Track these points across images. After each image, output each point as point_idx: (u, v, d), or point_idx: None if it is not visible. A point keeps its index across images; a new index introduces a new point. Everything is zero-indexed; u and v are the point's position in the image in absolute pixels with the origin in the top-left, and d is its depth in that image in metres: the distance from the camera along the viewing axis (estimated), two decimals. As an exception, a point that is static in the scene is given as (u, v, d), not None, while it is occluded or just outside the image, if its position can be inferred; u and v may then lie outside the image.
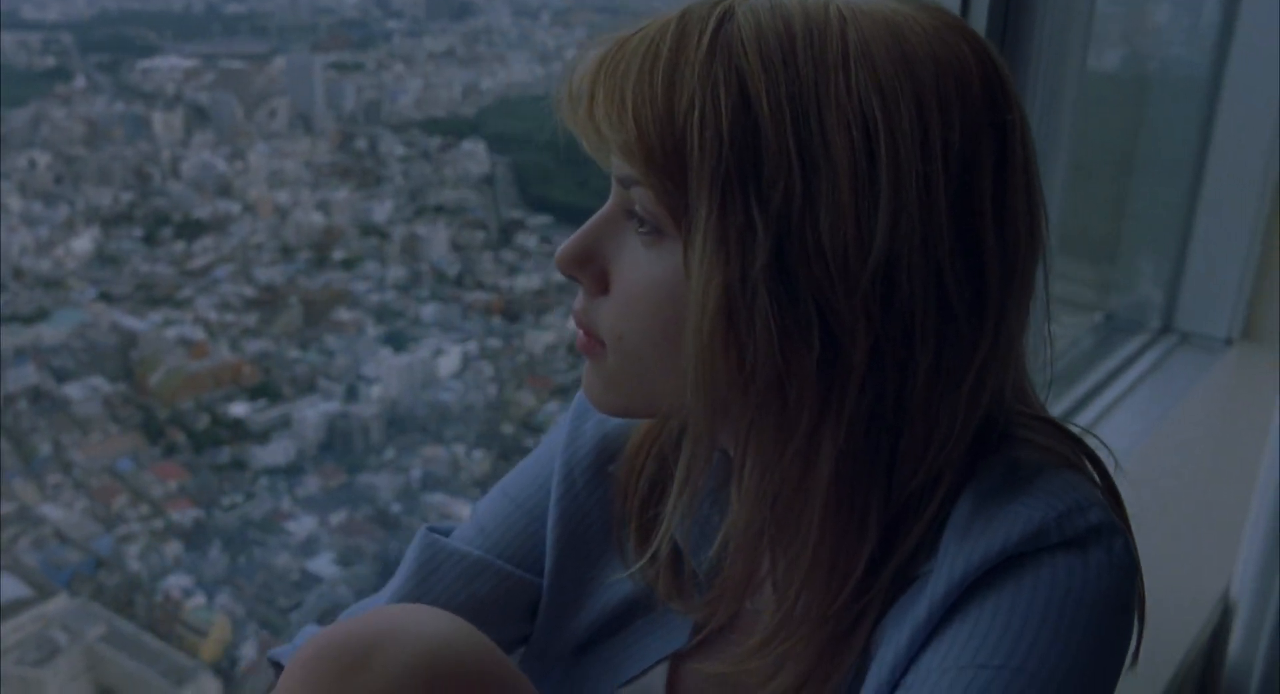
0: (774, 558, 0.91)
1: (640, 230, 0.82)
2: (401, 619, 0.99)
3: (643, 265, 0.82)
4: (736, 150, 0.74)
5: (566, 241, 0.90)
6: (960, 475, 0.81)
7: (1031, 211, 0.79)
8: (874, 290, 0.74)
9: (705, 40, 0.75)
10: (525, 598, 1.12)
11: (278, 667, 1.30)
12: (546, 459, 1.17)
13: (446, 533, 1.23)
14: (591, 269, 0.89)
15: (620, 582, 1.10)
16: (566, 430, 1.13)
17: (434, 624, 1.00)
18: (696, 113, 0.74)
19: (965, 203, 0.75)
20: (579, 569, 1.13)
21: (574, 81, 0.82)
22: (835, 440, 0.78)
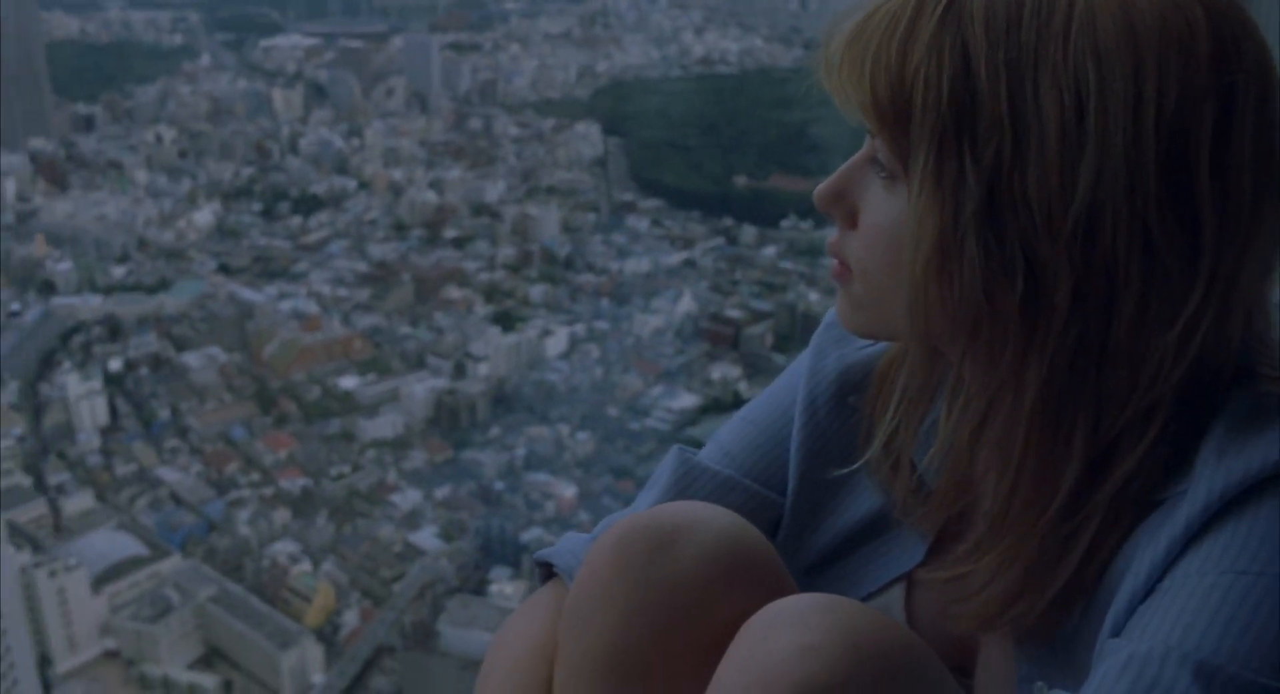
0: (985, 469, 1.08)
1: (880, 174, 1.05)
2: (699, 510, 1.20)
3: (881, 205, 1.05)
4: (954, 110, 0.94)
5: (825, 181, 1.13)
6: (1192, 410, 0.92)
7: (1262, 163, 0.88)
8: (1076, 238, 0.89)
9: (939, 12, 0.95)
10: (769, 515, 1.31)
11: (543, 567, 1.52)
12: (788, 390, 1.39)
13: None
14: (843, 206, 1.12)
15: (858, 503, 1.26)
16: (808, 364, 1.36)
17: (727, 516, 1.20)
18: (922, 76, 0.95)
19: (1176, 158, 0.87)
20: (820, 492, 1.30)
21: (829, 49, 1.05)
22: (1039, 372, 0.94)
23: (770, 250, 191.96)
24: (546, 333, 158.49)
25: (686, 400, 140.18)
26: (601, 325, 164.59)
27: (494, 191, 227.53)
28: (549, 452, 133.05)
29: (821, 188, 1.08)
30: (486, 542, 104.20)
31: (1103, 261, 0.88)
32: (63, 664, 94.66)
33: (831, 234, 1.09)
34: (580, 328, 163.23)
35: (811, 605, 0.97)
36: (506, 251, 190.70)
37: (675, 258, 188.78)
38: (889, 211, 1.02)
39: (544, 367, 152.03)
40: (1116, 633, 0.90)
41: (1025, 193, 0.90)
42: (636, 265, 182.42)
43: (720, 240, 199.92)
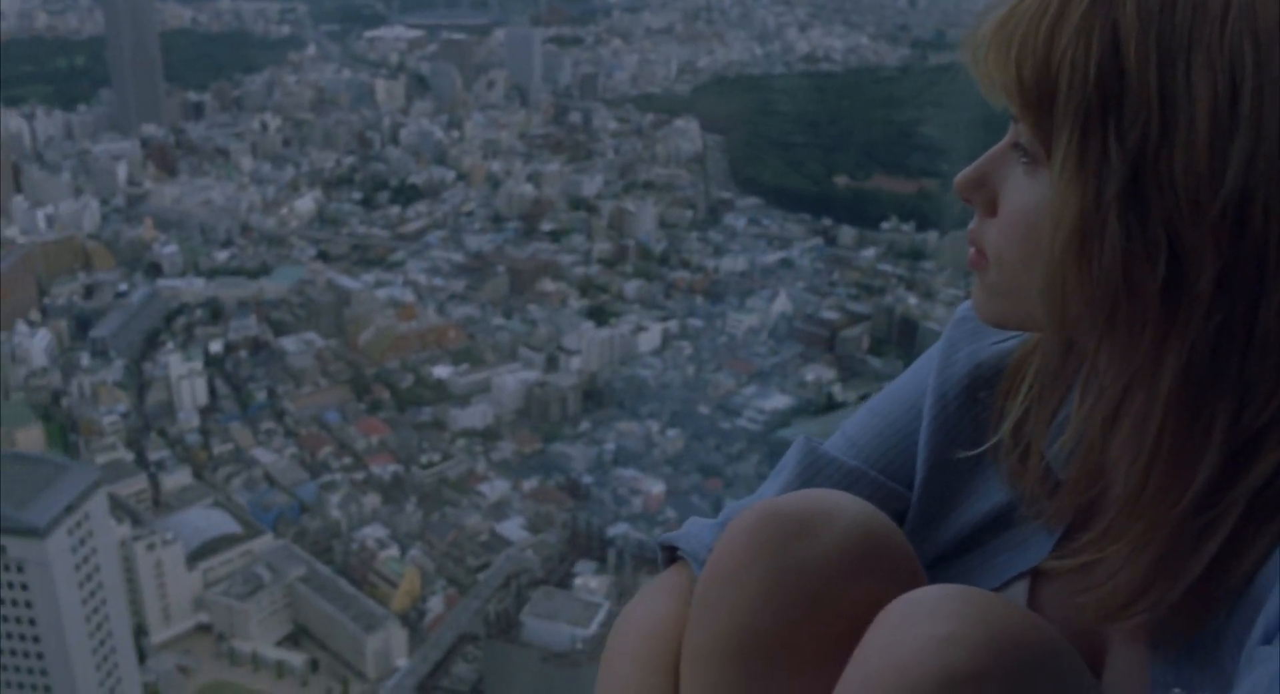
0: (1118, 459, 1.05)
1: (1022, 160, 1.05)
2: (834, 498, 1.20)
3: (1022, 191, 1.05)
4: (1100, 90, 0.92)
5: (966, 168, 1.14)
6: None
7: None
8: (1224, 222, 0.87)
9: None
10: (894, 508, 1.31)
11: (667, 550, 1.54)
12: (916, 384, 1.39)
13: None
14: (984, 193, 1.13)
15: (986, 497, 1.26)
16: (939, 359, 1.36)
17: (861, 505, 1.21)
18: (1069, 57, 0.93)
19: None
20: (947, 485, 1.30)
21: (977, 34, 1.06)
22: (1179, 358, 0.91)
23: (869, 252, 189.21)
24: (640, 329, 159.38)
25: (779, 401, 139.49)
26: (695, 323, 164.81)
27: (591, 186, 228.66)
28: (638, 448, 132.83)
29: (963, 174, 1.10)
30: (573, 535, 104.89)
31: (1252, 247, 0.86)
32: (157, 635, 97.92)
33: (972, 221, 1.12)
34: (674, 325, 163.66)
35: (951, 595, 0.97)
36: (602, 246, 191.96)
37: (772, 257, 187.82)
38: (1029, 197, 1.02)
39: (636, 362, 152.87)
40: (1268, 640, 0.86)
41: (1171, 175, 0.88)
42: (732, 263, 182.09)
43: (818, 241, 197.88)
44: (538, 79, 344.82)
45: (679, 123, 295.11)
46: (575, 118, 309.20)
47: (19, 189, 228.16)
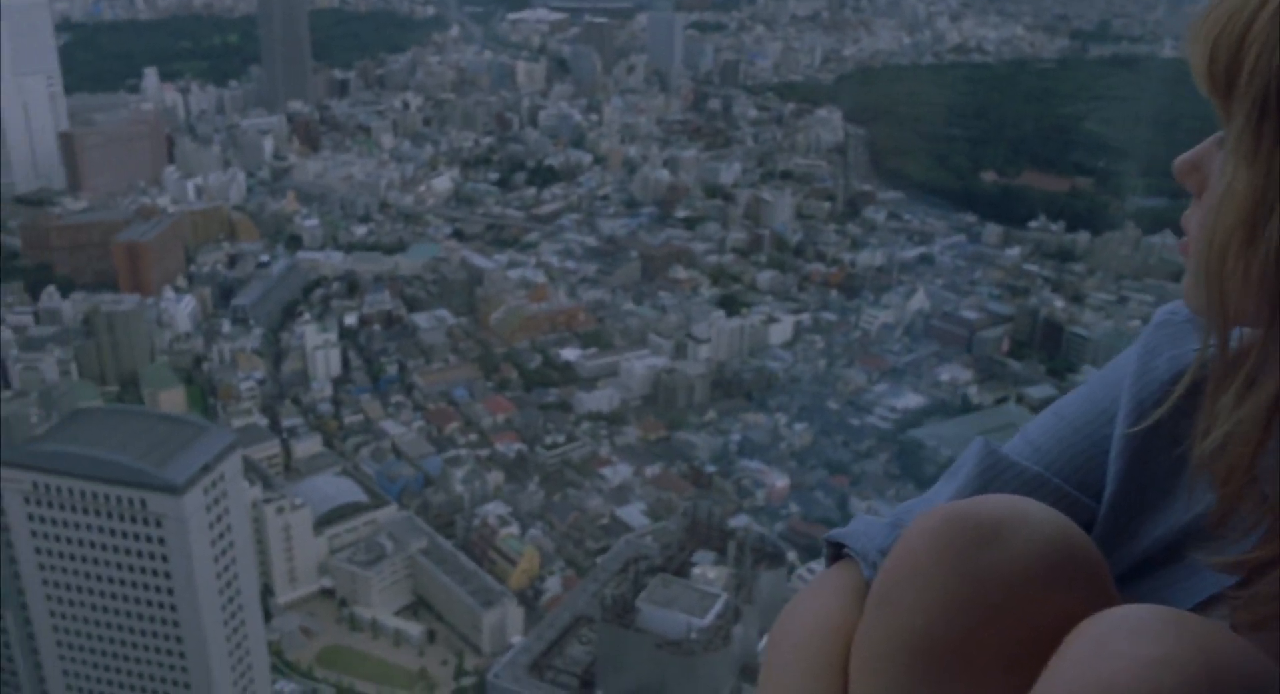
0: (1274, 461, 1.01)
1: (1221, 146, 1.07)
2: (1025, 505, 1.17)
3: (1218, 176, 1.05)
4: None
5: (1187, 152, 1.16)
6: None
7: None
8: None
9: None
10: (1077, 519, 1.23)
11: (834, 547, 1.50)
12: (1109, 389, 1.32)
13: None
14: (1196, 177, 1.13)
15: (1181, 512, 1.21)
16: (1136, 363, 1.28)
17: (1053, 514, 1.18)
18: (1259, 41, 0.96)
19: None
20: (1141, 498, 1.24)
21: (1194, 21, 1.07)
22: None
23: (1014, 251, 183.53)
24: (771, 320, 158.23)
25: (911, 400, 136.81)
26: (828, 316, 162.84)
27: (728, 174, 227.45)
28: (764, 439, 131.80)
29: (1181, 157, 1.10)
30: (693, 524, 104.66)
31: None
32: (283, 596, 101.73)
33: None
34: (806, 317, 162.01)
35: (1160, 616, 0.91)
36: (736, 235, 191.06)
37: (911, 253, 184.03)
38: (1220, 183, 1.03)
39: (766, 354, 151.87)
40: None
41: None
42: (870, 258, 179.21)
43: (961, 237, 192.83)
44: (678, 64, 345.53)
45: (821, 112, 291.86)
46: (715, 104, 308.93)
47: (172, 160, 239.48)
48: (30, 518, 72.33)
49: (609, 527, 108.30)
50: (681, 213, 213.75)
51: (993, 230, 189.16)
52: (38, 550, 72.99)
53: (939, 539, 1.03)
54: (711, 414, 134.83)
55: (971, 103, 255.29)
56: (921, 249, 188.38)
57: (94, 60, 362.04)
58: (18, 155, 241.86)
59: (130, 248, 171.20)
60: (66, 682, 77.19)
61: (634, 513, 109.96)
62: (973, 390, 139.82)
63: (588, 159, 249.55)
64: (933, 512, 1.06)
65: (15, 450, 72.89)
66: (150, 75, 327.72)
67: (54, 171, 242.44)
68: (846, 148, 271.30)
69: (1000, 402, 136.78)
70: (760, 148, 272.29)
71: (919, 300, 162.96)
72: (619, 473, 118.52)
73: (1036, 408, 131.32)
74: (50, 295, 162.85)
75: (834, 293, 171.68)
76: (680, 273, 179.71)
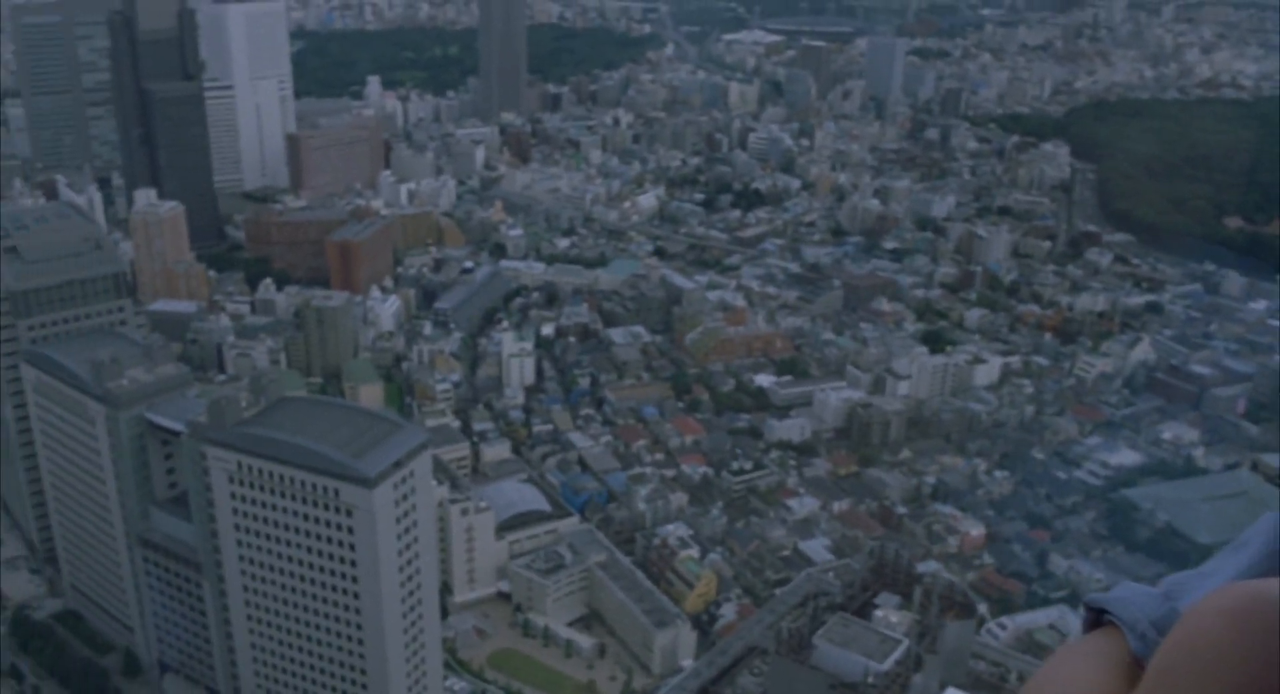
0: None
1: None
2: None
3: None
4: None
5: None
6: None
7: None
8: None
9: None
10: None
11: (1094, 612, 1.51)
12: None
13: None
14: None
15: None
16: None
17: None
18: None
19: None
20: None
21: None
22: None
23: (1260, 305, 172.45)
24: (977, 360, 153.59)
25: (1127, 457, 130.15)
26: (1040, 361, 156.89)
27: (942, 206, 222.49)
28: (961, 484, 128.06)
29: None
30: (879, 564, 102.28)
31: None
32: (460, 595, 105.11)
33: None
34: (1016, 360, 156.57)
35: None
36: (946, 270, 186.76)
37: (1137, 299, 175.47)
38: None
39: (969, 395, 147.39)
40: None
41: None
42: (1090, 302, 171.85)
43: (1196, 287, 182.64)
44: (896, 91, 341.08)
45: (1047, 146, 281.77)
46: (932, 134, 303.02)
47: (388, 165, 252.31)
48: (233, 496, 77.39)
49: (790, 559, 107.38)
50: (889, 244, 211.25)
51: (1235, 281, 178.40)
52: (236, 527, 77.99)
53: (1237, 620, 0.96)
54: (906, 453, 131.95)
55: (1220, 142, 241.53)
56: (1150, 296, 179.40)
57: (323, 67, 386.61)
58: (248, 154, 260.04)
59: (343, 247, 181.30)
60: (254, 655, 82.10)
61: (818, 547, 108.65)
62: (1199, 452, 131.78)
63: (796, 184, 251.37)
64: (1227, 590, 0.98)
65: (224, 432, 77.93)
66: (373, 83, 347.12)
67: (279, 171, 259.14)
68: (1072, 185, 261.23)
69: (1231, 467, 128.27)
70: (978, 181, 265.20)
71: (1143, 351, 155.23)
72: (805, 505, 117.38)
73: (1275, 477, 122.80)
74: (267, 287, 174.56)
75: (1048, 336, 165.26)
76: (884, 305, 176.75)
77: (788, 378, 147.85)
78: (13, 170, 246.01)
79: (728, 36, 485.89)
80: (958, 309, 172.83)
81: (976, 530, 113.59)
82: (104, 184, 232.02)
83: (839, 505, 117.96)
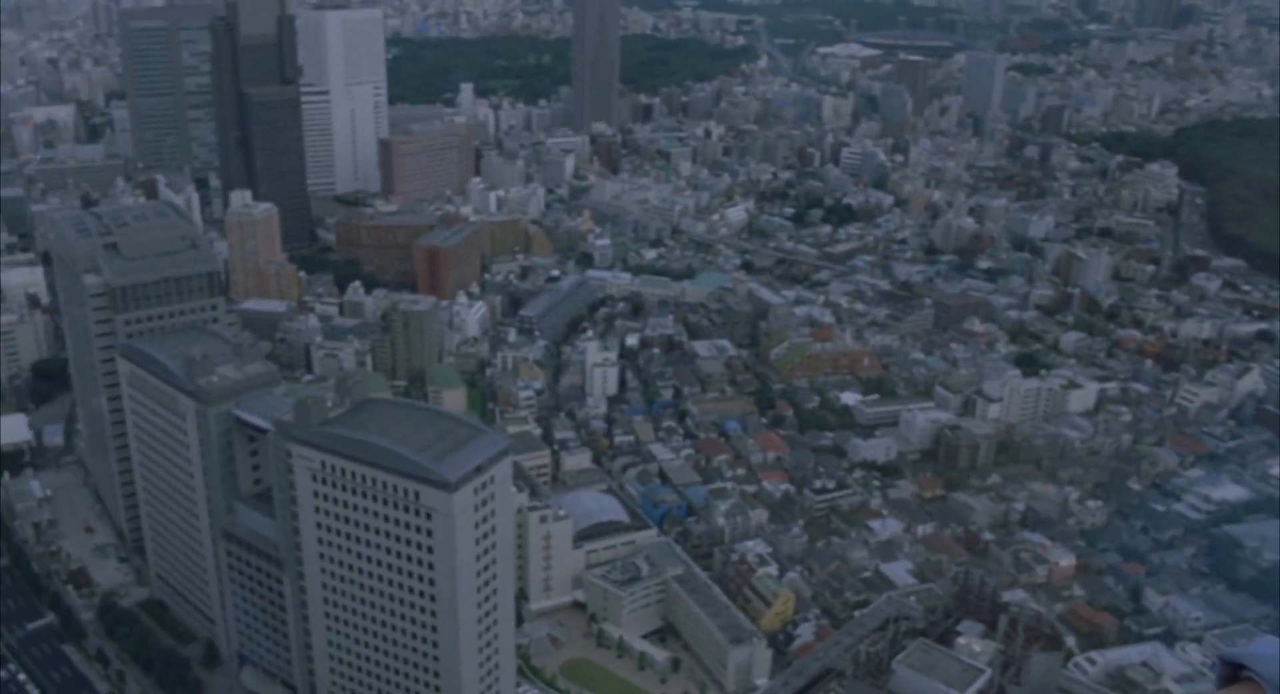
0: None
1: None
2: None
3: None
4: None
5: None
6: None
7: None
8: None
9: None
10: None
11: (1230, 666, 2.72)
12: None
13: None
14: None
15: None
16: None
17: None
18: None
19: None
20: None
21: None
22: None
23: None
24: (1072, 385, 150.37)
25: (1231, 491, 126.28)
26: (1139, 388, 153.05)
27: (1039, 226, 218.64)
28: (1051, 512, 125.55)
29: None
30: (963, 591, 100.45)
31: None
32: (536, 603, 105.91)
33: None
34: (1113, 387, 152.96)
35: None
36: (1042, 292, 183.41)
37: (1247, 328, 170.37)
38: None
39: (1063, 420, 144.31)
40: None
41: None
42: (1195, 328, 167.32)
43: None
44: (995, 108, 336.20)
45: (1153, 167, 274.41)
46: (1032, 152, 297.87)
47: (478, 172, 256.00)
48: (315, 494, 78.93)
49: (871, 581, 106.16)
50: (983, 264, 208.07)
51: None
52: (318, 525, 79.49)
53: None
54: (995, 478, 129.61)
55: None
56: (1261, 325, 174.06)
57: (417, 73, 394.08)
58: (341, 158, 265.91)
59: (431, 252, 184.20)
60: (330, 651, 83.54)
61: (899, 570, 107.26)
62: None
63: (888, 201, 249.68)
64: None
65: (309, 431, 79.53)
66: (466, 90, 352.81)
67: (371, 175, 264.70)
68: (1180, 207, 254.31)
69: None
70: (1078, 201, 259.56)
71: (1252, 381, 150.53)
72: (888, 527, 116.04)
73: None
74: (356, 290, 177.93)
75: (1148, 363, 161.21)
76: (976, 326, 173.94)
77: (874, 397, 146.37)
78: (116, 169, 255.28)
79: (823, 50, 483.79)
80: (1053, 332, 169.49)
81: (1066, 561, 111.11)
82: (201, 184, 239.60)
83: (923, 529, 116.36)
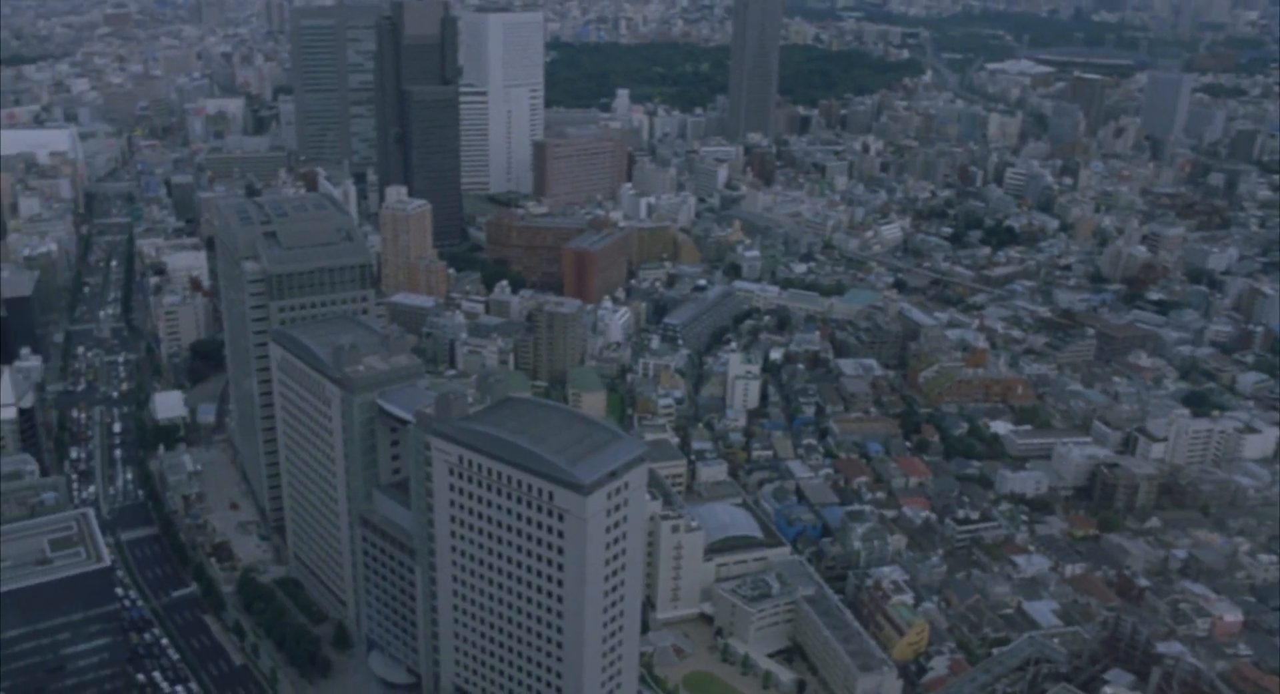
0: None
1: None
2: None
3: None
4: None
5: None
6: None
7: None
8: None
9: None
10: None
11: None
12: None
13: None
14: None
15: None
16: None
17: None
18: None
19: None
20: None
21: None
22: None
23: None
24: (1249, 429, 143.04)
25: None
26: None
27: (1220, 258, 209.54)
28: (1217, 563, 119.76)
29: None
30: (1113, 637, 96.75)
31: None
32: (662, 612, 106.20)
33: None
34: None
35: None
36: (1219, 328, 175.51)
37: None
38: None
39: (1236, 466, 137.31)
40: None
41: None
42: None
43: None
44: (1178, 131, 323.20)
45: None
46: (1216, 179, 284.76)
47: (630, 178, 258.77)
48: (451, 487, 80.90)
49: (1012, 618, 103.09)
50: (1155, 295, 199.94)
51: None
52: (452, 519, 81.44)
53: None
54: (1154, 522, 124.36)
55: None
56: None
57: (574, 77, 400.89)
58: (495, 158, 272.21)
59: (579, 255, 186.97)
60: (456, 643, 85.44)
61: (1044, 610, 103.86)
62: None
63: (1054, 224, 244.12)
64: None
65: (449, 425, 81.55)
66: (622, 96, 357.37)
67: (523, 176, 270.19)
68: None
69: None
70: (1267, 233, 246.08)
71: None
72: (1034, 564, 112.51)
73: None
74: (502, 289, 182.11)
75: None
76: (1142, 360, 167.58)
77: (1026, 427, 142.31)
78: (279, 161, 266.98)
79: (991, 65, 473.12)
80: (1229, 371, 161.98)
81: (1232, 616, 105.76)
82: (359, 179, 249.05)
83: (1072, 568, 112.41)
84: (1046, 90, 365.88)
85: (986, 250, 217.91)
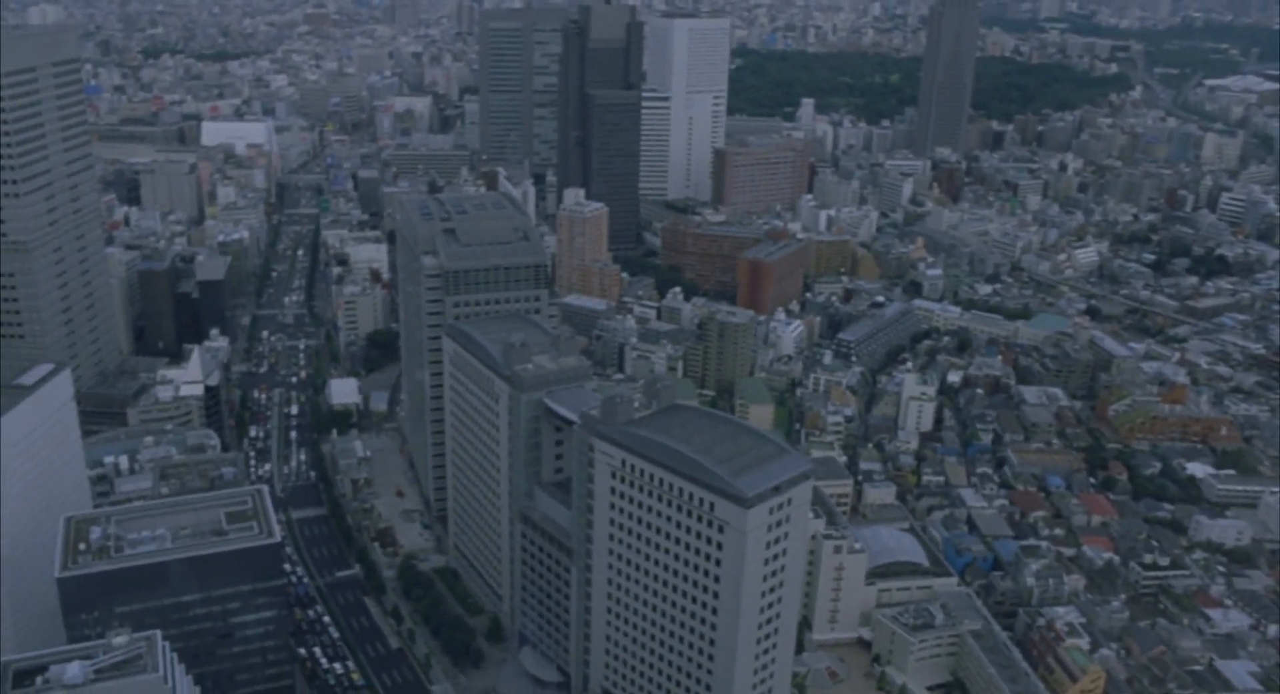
0: None
1: None
2: None
3: None
4: None
5: None
6: None
7: None
8: None
9: None
10: None
11: None
12: None
13: None
14: None
15: None
16: None
17: None
18: None
19: None
20: None
21: None
22: None
23: None
24: None
25: None
26: None
27: None
28: None
29: None
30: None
31: None
32: (819, 634, 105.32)
33: None
34: None
35: None
36: None
37: None
38: None
39: None
40: None
41: None
42: None
43: None
44: None
45: None
46: None
47: (810, 189, 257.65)
48: (612, 491, 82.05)
49: (1202, 677, 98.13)
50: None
51: None
52: (611, 521, 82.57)
53: None
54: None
55: None
56: None
57: (758, 85, 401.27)
58: (675, 164, 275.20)
59: (754, 266, 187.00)
60: (607, 646, 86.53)
61: (1240, 671, 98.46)
62: None
63: (1274, 255, 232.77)
64: None
65: (614, 428, 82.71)
66: (806, 106, 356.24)
67: (702, 183, 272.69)
68: None
69: None
70: None
71: None
72: (1231, 620, 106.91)
73: None
74: (675, 295, 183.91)
75: None
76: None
77: (1229, 472, 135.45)
78: (462, 159, 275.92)
79: (1211, 81, 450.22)
80: None
81: None
82: (539, 180, 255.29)
83: (1275, 629, 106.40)
84: (1274, 109, 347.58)
85: (1193, 280, 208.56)
